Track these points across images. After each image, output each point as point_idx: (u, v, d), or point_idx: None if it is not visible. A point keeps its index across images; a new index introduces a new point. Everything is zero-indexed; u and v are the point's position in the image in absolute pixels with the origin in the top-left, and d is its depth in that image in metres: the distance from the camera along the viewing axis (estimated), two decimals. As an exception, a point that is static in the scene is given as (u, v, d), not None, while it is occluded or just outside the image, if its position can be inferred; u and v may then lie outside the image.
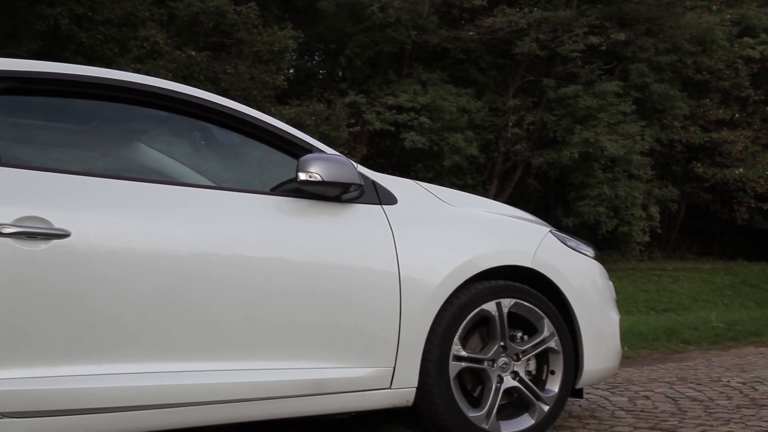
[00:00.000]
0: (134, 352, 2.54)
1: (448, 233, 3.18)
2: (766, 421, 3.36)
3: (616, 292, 3.75)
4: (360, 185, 2.99)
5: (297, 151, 3.04)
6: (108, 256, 2.52)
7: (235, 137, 3.20)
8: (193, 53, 16.67)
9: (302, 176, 2.85)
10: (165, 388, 2.56)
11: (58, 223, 2.45)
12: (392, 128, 21.40)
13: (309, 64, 25.56)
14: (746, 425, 3.30)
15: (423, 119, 21.00)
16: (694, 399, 4.08)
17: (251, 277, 2.73)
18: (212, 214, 2.77)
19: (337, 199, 2.98)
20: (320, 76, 25.60)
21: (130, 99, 2.90)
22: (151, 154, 3.25)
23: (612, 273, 3.80)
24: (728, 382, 4.64)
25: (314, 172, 2.85)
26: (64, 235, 2.45)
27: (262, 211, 2.87)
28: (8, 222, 2.38)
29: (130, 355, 2.53)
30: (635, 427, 3.37)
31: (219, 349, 2.67)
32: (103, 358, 2.49)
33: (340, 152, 3.12)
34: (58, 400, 2.40)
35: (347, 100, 21.01)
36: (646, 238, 24.30)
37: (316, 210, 2.95)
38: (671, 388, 4.50)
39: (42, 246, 2.41)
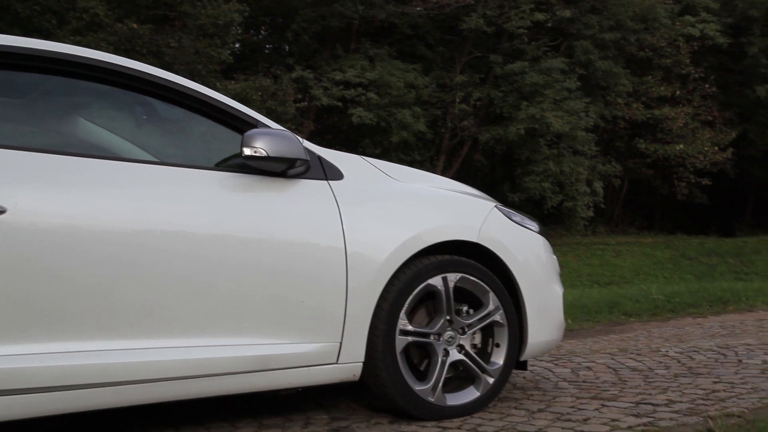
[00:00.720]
0: (74, 330, 2.50)
1: (395, 208, 3.19)
2: (702, 389, 3.46)
3: (561, 266, 3.82)
4: (306, 160, 2.97)
5: (242, 126, 3.00)
6: (47, 232, 2.46)
7: (178, 112, 3.15)
8: (135, 26, 16.29)
9: (247, 151, 2.82)
10: (106, 366, 2.52)
11: (-6, 199, 2.39)
12: (340, 104, 21.31)
13: (255, 38, 25.23)
14: (683, 393, 3.40)
15: (370, 95, 20.95)
16: (634, 369, 4.18)
17: (196, 254, 2.71)
18: (155, 190, 2.73)
19: (282, 174, 2.96)
20: (267, 51, 25.32)
21: (70, 72, 2.83)
22: (92, 129, 3.18)
23: (557, 247, 3.87)
24: (667, 352, 4.77)
25: (259, 147, 2.82)
26: (0, 211, 2.38)
27: (207, 186, 2.83)
28: (-58, 198, 2.31)
29: (69, 334, 2.49)
30: (577, 398, 3.44)
31: (162, 326, 2.64)
32: (41, 338, 2.44)
33: (286, 128, 3.10)
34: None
35: (294, 75, 20.83)
36: (590, 213, 24.74)
37: (261, 185, 2.93)
38: (612, 358, 4.61)
39: (-23, 223, 2.35)
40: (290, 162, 2.91)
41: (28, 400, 2.42)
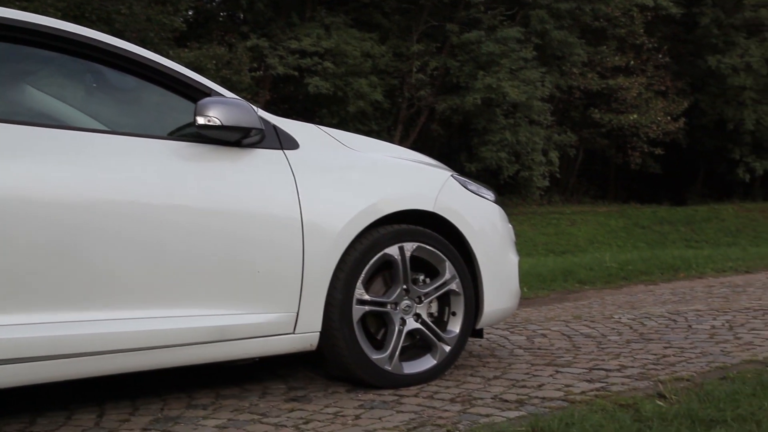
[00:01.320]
0: (24, 301, 2.45)
1: (351, 178, 3.17)
2: (653, 354, 3.54)
3: (517, 235, 3.85)
4: (260, 130, 2.93)
5: (195, 94, 2.95)
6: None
7: (130, 80, 3.07)
8: (85, -8, 15.90)
9: (200, 120, 2.78)
10: (56, 339, 2.48)
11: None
12: (296, 73, 21.12)
13: (209, 5, 24.79)
14: (635, 358, 3.47)
15: (327, 64, 20.79)
16: (587, 336, 4.25)
17: (149, 225, 2.66)
18: (107, 160, 2.67)
19: (237, 143, 2.92)
20: (221, 19, 24.92)
21: (17, 38, 2.74)
22: (40, 97, 3.09)
23: (513, 217, 3.90)
24: (619, 318, 4.85)
25: (213, 116, 2.78)
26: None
27: (160, 156, 2.78)
28: None
29: (20, 305, 2.44)
30: (532, 364, 3.49)
31: (116, 298, 2.61)
32: (-8, 310, 2.39)
33: (242, 97, 3.05)
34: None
35: (249, 43, 20.56)
36: (546, 183, 25.00)
37: (215, 155, 2.88)
38: (567, 326, 4.68)
39: None
40: (245, 131, 2.88)
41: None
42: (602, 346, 3.89)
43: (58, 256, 2.51)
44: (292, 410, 2.84)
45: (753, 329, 4.10)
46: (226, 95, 2.98)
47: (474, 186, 3.58)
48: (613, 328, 4.46)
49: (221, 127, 2.79)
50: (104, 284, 2.59)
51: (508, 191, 24.87)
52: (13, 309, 2.43)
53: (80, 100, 3.16)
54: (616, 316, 4.98)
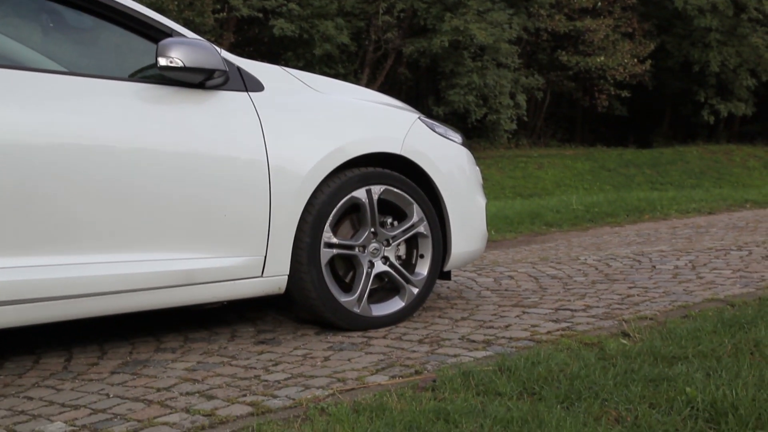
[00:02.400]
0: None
1: (317, 120, 3.13)
2: (618, 294, 3.59)
3: (484, 178, 3.85)
4: (224, 71, 2.87)
5: (156, 35, 2.87)
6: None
7: (88, 20, 2.98)
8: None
9: (162, 61, 2.71)
10: (22, 282, 2.44)
11: None
12: (260, 15, 20.73)
13: (170, -56, 24.08)
14: (600, 299, 3.53)
15: (292, 5, 20.43)
16: (554, 277, 4.30)
17: (112, 168, 2.61)
18: (67, 102, 2.60)
19: (200, 86, 2.86)
20: (183, -42, 24.23)
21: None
22: (-5, 38, 3.00)
23: (480, 161, 3.90)
24: (585, 260, 4.92)
25: (175, 57, 2.71)
26: None
27: (121, 98, 2.71)
28: None
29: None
30: (500, 305, 3.53)
31: (81, 242, 2.57)
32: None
33: (205, 39, 2.98)
34: None
35: (212, -16, 20.06)
36: (514, 126, 25.05)
37: (178, 97, 2.83)
38: (534, 267, 4.73)
39: None
40: (208, 73, 2.81)
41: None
42: (568, 287, 3.94)
43: (20, 200, 2.45)
44: (261, 353, 2.85)
45: (715, 269, 4.17)
46: (188, 36, 2.91)
47: (441, 129, 3.56)
48: (579, 270, 4.52)
49: (184, 69, 2.73)
50: (68, 228, 2.54)
51: (476, 135, 24.88)
52: (-27, 255, 2.38)
53: (37, 41, 3.06)
54: (582, 258, 5.04)
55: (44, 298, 2.49)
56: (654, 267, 4.39)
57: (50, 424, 2.10)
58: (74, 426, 2.07)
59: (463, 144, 3.65)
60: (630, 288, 3.76)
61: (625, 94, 26.93)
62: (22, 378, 2.65)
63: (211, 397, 2.28)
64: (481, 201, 3.63)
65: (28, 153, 2.46)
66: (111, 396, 2.36)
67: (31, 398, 2.38)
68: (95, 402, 2.30)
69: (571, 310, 3.31)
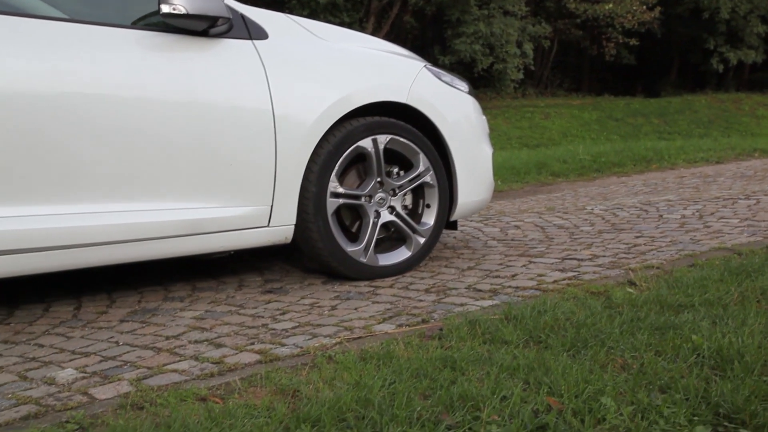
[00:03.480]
0: (-7, 198, 2.40)
1: (323, 69, 3.10)
2: (624, 244, 3.59)
3: (491, 128, 3.82)
4: (228, 18, 2.84)
5: (159, -19, 2.82)
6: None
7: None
8: None
9: (165, 8, 2.67)
10: (27, 232, 2.45)
11: None
12: (264, -38, 20.38)
13: None
14: (606, 248, 3.53)
15: (296, -48, 20.10)
16: (560, 227, 4.30)
17: (116, 117, 2.59)
18: (69, 50, 2.57)
19: (204, 33, 2.83)
20: None
21: None
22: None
23: (487, 111, 3.86)
24: (592, 209, 4.91)
25: (178, 4, 2.67)
26: None
27: (125, 46, 2.68)
28: None
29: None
30: (506, 255, 3.54)
31: (87, 191, 2.56)
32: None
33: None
34: None
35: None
36: (520, 76, 24.81)
37: (182, 45, 2.79)
38: (540, 217, 4.73)
39: None
40: (211, 20, 2.78)
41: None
42: (575, 236, 3.94)
43: (25, 149, 2.44)
44: (268, 302, 2.87)
45: (722, 218, 4.16)
46: (192, -18, 2.86)
47: (448, 77, 3.52)
48: (586, 219, 4.51)
49: (187, 16, 2.69)
50: (74, 177, 2.54)
51: (482, 84, 24.67)
52: (-20, 205, 2.39)
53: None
54: (588, 207, 5.03)
55: (52, 247, 2.50)
56: (661, 216, 4.38)
57: (61, 370, 2.13)
58: (85, 373, 2.09)
59: (470, 93, 3.61)
60: (637, 237, 3.76)
61: (633, 42, 26.58)
62: (33, 326, 2.67)
63: (219, 345, 2.30)
64: (487, 150, 3.60)
65: (31, 101, 2.44)
66: (120, 344, 2.38)
67: (41, 345, 2.41)
68: (105, 349, 2.32)
69: (578, 259, 3.31)
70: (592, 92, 29.02)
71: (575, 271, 3.06)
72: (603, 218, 4.49)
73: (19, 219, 2.44)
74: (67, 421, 1.73)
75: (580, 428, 1.52)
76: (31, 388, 1.99)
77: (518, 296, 2.72)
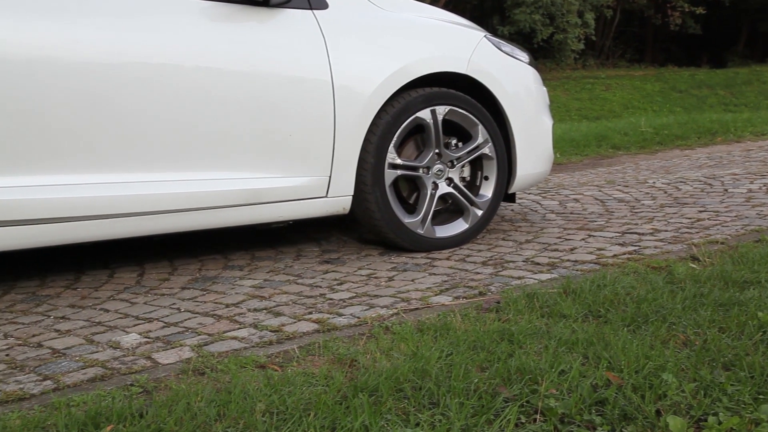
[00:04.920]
0: (60, 164, 2.46)
1: (382, 39, 3.08)
2: (687, 218, 3.51)
3: (550, 100, 3.76)
4: (288, -11, 2.84)
5: (220, -48, 2.84)
6: (22, 64, 2.37)
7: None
8: None
9: (227, -21, 2.68)
10: (96, 199, 2.51)
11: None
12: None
13: None
14: (668, 222, 3.45)
15: None
16: (621, 200, 4.23)
17: (179, 87, 2.62)
18: (134, 20, 2.61)
19: (265, 3, 2.83)
20: None
21: None
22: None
23: (546, 82, 3.80)
24: (653, 183, 4.81)
25: (239, -26, 2.68)
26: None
27: (187, 16, 2.71)
28: None
29: (56, 168, 2.45)
30: (564, 228, 3.50)
31: (152, 160, 2.61)
32: (25, 170, 2.41)
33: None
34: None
35: None
36: (581, 46, 24.34)
37: (243, 15, 2.80)
38: (600, 191, 4.65)
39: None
40: (273, -10, 2.78)
41: (22, 232, 2.43)
42: (635, 210, 3.87)
43: (88, 119, 2.50)
44: (326, 272, 2.89)
45: (790, 193, 4.04)
46: (252, -48, 2.87)
47: (508, 47, 3.47)
48: (647, 193, 4.42)
49: (249, -14, 2.70)
50: (140, 147, 2.59)
51: (542, 55, 24.27)
52: (49, 171, 2.45)
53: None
54: (650, 181, 4.93)
55: (120, 214, 2.56)
56: (726, 190, 4.27)
57: (126, 335, 2.18)
58: (148, 338, 2.15)
59: (531, 63, 3.56)
60: (700, 212, 3.68)
61: (699, 11, 25.79)
62: (98, 291, 2.74)
63: (278, 314, 2.33)
64: (547, 122, 3.55)
65: (98, 70, 2.49)
66: (182, 310, 2.43)
67: (107, 310, 2.47)
68: (167, 315, 2.38)
69: (639, 233, 3.25)
70: (655, 63, 28.32)
71: (636, 246, 3.01)
72: (665, 192, 4.40)
73: (84, 187, 2.50)
74: (131, 384, 1.77)
75: (641, 404, 1.50)
76: (97, 352, 2.05)
77: (577, 270, 2.69)
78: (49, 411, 1.62)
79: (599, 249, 3.00)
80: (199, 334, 2.16)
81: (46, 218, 2.45)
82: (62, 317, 2.42)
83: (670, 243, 3.02)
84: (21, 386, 1.81)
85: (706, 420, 1.45)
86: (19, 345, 2.14)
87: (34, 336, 2.22)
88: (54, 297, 2.68)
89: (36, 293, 2.74)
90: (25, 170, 2.41)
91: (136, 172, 2.59)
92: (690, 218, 3.52)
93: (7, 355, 2.06)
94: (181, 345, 2.07)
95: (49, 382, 1.83)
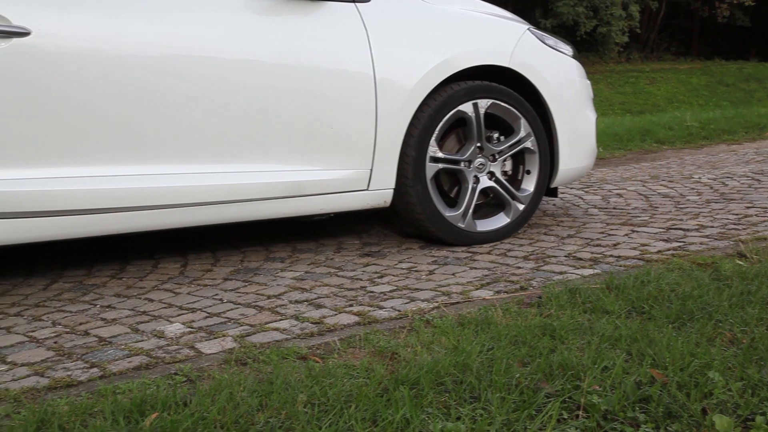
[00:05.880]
0: (103, 155, 2.50)
1: (424, 32, 3.07)
2: (734, 214, 3.45)
3: (593, 94, 3.72)
4: (332, -18, 2.84)
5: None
6: (71, 56, 2.41)
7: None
8: None
9: (270, -28, 2.69)
10: (139, 190, 2.55)
11: (17, 20, 2.33)
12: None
13: None
14: (714, 218, 3.40)
15: None
16: (665, 195, 4.17)
17: (223, 80, 2.65)
18: (180, 13, 2.63)
19: (308, -4, 2.84)
20: None
21: None
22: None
23: (589, 75, 3.75)
24: (699, 178, 4.73)
25: (283, -33, 2.69)
26: (24, 33, 2.33)
27: (231, 9, 2.72)
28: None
29: (99, 159, 2.49)
30: (607, 224, 3.46)
31: (196, 151, 2.64)
32: (72, 161, 2.45)
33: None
34: (26, 202, 2.39)
35: None
36: (625, 39, 24.00)
37: (286, 8, 2.81)
38: (644, 186, 4.59)
39: (2, 44, 2.31)
40: (315, -17, 2.79)
41: (67, 222, 2.47)
42: (680, 206, 3.81)
43: (136, 110, 2.53)
44: (366, 265, 2.90)
45: (841, 189, 3.94)
46: (296, -54, 2.88)
47: (551, 40, 3.44)
48: (692, 189, 4.35)
49: (292, -21, 2.71)
50: (183, 139, 2.61)
51: (585, 48, 23.98)
52: (93, 162, 2.49)
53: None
54: (695, 176, 4.85)
55: (164, 205, 2.60)
56: (774, 187, 4.19)
57: (170, 324, 2.21)
58: (191, 328, 2.17)
59: (574, 56, 3.52)
60: (747, 208, 3.61)
61: (749, 2, 25.24)
62: (143, 281, 2.78)
63: (319, 306, 2.34)
64: (590, 116, 3.51)
65: (144, 62, 2.52)
66: (224, 301, 2.46)
67: (151, 300, 2.51)
68: (210, 306, 2.40)
69: (684, 229, 3.20)
70: (701, 56, 27.80)
71: (681, 242, 2.97)
72: (711, 187, 4.32)
73: (130, 178, 2.54)
74: (175, 373, 1.80)
75: (686, 402, 1.48)
76: (142, 341, 2.08)
77: (620, 266, 2.66)
78: (96, 398, 1.65)
79: (643, 245, 2.96)
80: (242, 325, 2.18)
81: (86, 209, 2.48)
82: (108, 306, 2.46)
83: (716, 239, 2.97)
84: (69, 373, 1.84)
85: (753, 419, 1.42)
86: (67, 333, 2.18)
87: (81, 324, 2.26)
88: (100, 286, 2.73)
89: (83, 282, 2.79)
90: (65, 162, 2.45)
91: (183, 164, 2.62)
92: (737, 214, 3.46)
93: (55, 342, 2.10)
94: (223, 335, 2.09)
95: (95, 369, 1.86)
